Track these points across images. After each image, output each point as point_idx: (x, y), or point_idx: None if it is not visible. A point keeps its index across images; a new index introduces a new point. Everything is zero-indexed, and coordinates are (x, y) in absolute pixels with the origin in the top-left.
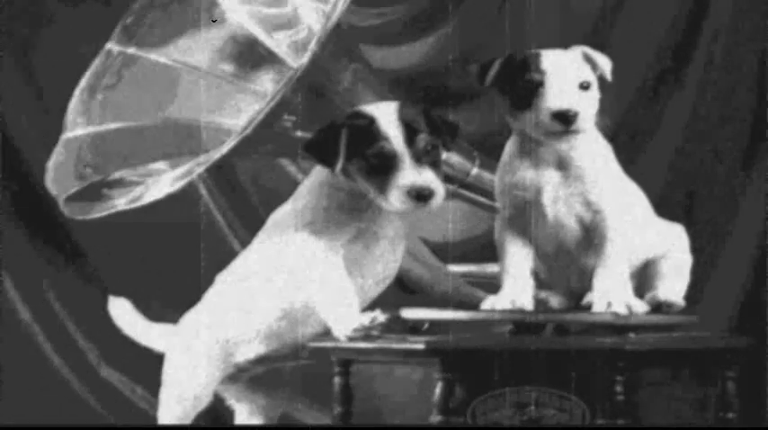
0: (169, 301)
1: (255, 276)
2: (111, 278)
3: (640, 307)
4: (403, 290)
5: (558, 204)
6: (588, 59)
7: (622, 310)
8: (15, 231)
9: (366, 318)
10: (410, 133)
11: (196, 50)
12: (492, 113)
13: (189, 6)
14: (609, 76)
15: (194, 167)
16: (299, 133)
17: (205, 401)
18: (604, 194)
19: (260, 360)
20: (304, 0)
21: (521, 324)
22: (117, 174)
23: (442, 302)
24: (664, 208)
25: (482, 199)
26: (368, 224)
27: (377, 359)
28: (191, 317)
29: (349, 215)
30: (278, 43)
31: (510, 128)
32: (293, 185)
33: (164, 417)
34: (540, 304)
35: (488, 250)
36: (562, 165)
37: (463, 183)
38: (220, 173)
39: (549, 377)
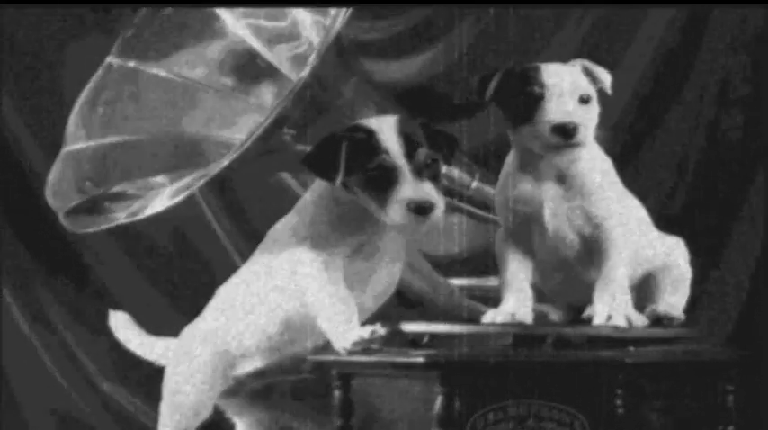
0: (169, 315)
1: (256, 290)
2: (112, 292)
3: (640, 320)
4: (403, 303)
5: (559, 218)
6: (588, 73)
7: (622, 323)
8: (15, 245)
9: (366, 332)
10: (410, 147)
11: (196, 64)
12: (492, 127)
13: (189, 20)
14: (609, 90)
15: (194, 181)
16: (299, 146)
17: (205, 414)
18: (604, 208)
19: (260, 373)
20: (304, 13)
21: (521, 337)
22: (117, 188)
23: (442, 316)
24: (663, 221)
25: (482, 212)
26: (368, 237)
27: (377, 372)
28: (191, 330)
29: (349, 228)
30: (278, 56)
31: (510, 141)
32: (293, 199)
33: None
34: (540, 317)
35: (488, 264)
36: (562, 178)
37: (463, 196)
38: (220, 186)
39: (549, 390)
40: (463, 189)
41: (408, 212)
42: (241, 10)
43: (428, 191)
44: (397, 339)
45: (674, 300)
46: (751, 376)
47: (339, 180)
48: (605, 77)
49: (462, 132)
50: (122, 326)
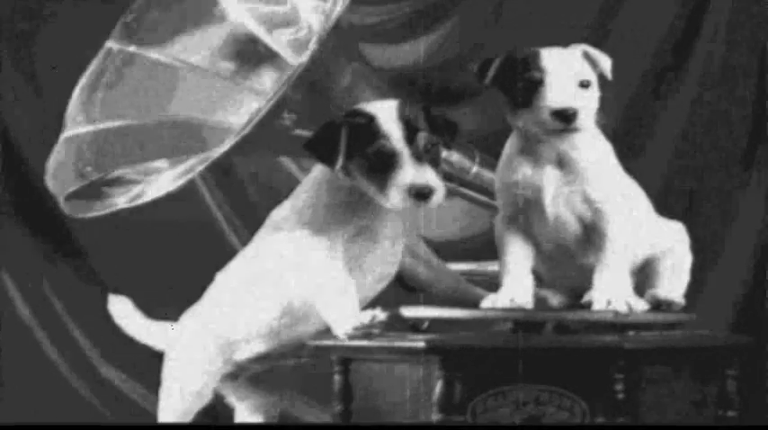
0: (169, 300)
1: (255, 274)
2: (112, 276)
3: (640, 305)
4: (403, 288)
5: (559, 203)
6: (588, 58)
7: (622, 309)
8: (15, 229)
9: (366, 317)
10: (410, 131)
11: (196, 48)
12: (492, 111)
13: (189, 5)
14: (609, 75)
15: (194, 166)
16: (298, 131)
17: (205, 399)
18: (604, 193)
19: (260, 358)
20: None
21: (521, 322)
22: (117, 173)
23: (443, 300)
24: (663, 206)
25: (482, 197)
26: (368, 222)
27: (377, 357)
28: (191, 315)
29: (349, 213)
30: (278, 41)
31: (510, 126)
32: (293, 184)
33: (164, 416)
34: (540, 302)
35: (488, 248)
36: (562, 163)
37: (463, 181)
38: (220, 171)
39: (549, 375)
40: (463, 174)
41: (408, 197)
42: None
43: (428, 176)
44: (397, 324)
45: (674, 285)
46: (752, 361)
47: (339, 165)
48: (605, 62)
49: (462, 117)
50: (122, 310)
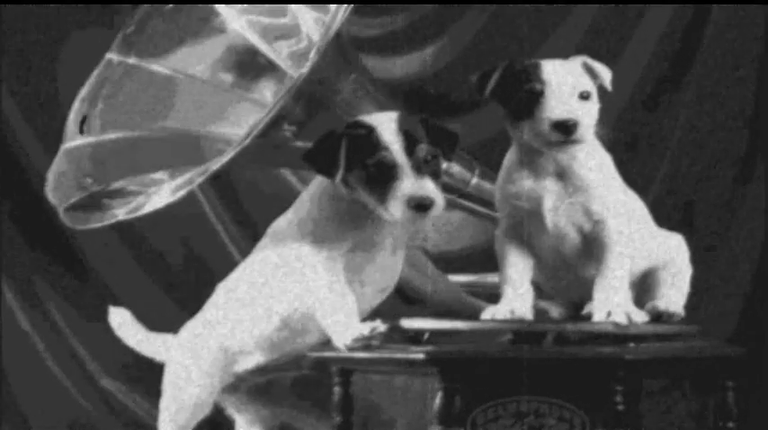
0: (169, 311)
1: (256, 286)
2: (112, 288)
3: (640, 316)
4: (403, 300)
5: (559, 214)
6: (588, 69)
7: (622, 320)
8: (15, 241)
9: (366, 328)
10: (410, 143)
11: (196, 60)
12: (492, 123)
13: (189, 16)
14: (609, 86)
15: (194, 177)
16: (298, 143)
17: (205, 411)
18: (604, 204)
19: (260, 370)
20: (304, 10)
21: (521, 334)
22: (117, 184)
23: (442, 312)
24: (662, 218)
25: (482, 209)
26: (368, 234)
27: (377, 369)
28: (191, 326)
29: (349, 225)
30: (278, 53)
31: (510, 137)
32: (293, 195)
33: (164, 427)
34: (540, 314)
35: (488, 260)
36: (562, 175)
37: (463, 192)
38: (220, 183)
39: (549, 387)
40: (463, 185)
41: (408, 209)
42: (241, 6)
43: (428, 187)
44: (397, 336)
45: (674, 297)
46: (751, 372)
47: (339, 176)
48: (605, 74)
49: (462, 128)
50: (122, 322)
